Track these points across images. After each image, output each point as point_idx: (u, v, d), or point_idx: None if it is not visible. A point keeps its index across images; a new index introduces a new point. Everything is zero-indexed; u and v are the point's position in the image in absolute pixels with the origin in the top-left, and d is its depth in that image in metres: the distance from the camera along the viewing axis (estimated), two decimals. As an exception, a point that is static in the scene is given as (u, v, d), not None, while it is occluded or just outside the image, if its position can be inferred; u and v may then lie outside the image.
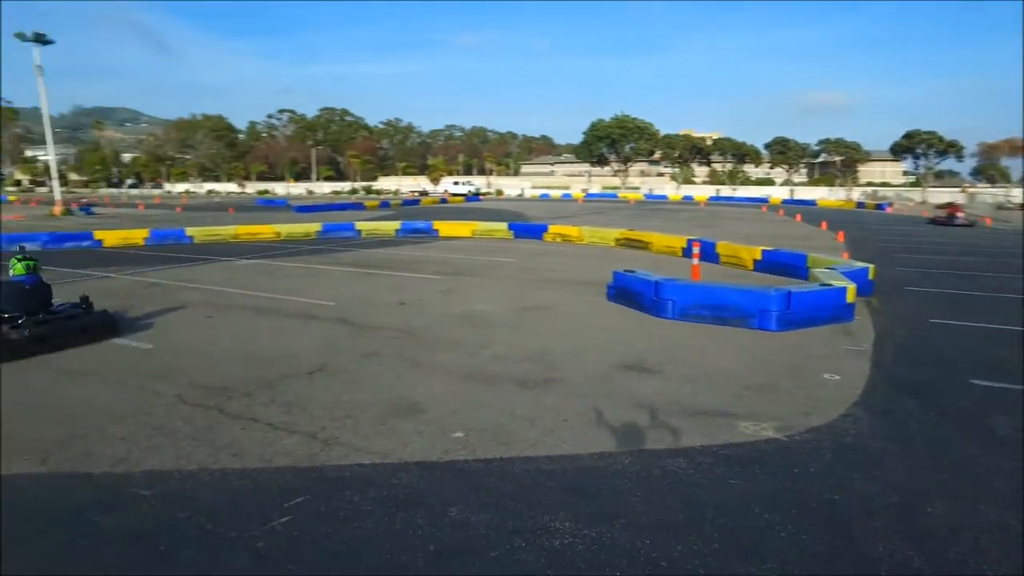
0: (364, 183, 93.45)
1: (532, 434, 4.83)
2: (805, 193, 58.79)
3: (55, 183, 37.83)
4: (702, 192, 61.66)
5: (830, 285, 8.61)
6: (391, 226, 23.05)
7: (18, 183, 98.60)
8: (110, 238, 19.17)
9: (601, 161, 74.10)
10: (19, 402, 5.55)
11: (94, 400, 5.59)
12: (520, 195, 70.15)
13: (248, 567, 3.16)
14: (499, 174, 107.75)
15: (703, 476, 4.12)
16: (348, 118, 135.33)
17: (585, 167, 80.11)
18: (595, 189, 70.29)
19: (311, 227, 22.61)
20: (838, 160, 72.82)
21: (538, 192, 70.53)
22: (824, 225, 25.21)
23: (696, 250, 11.16)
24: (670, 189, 66.28)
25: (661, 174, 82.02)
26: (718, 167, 77.36)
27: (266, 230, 21.90)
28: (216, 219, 29.04)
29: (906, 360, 7.00)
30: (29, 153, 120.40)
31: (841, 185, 64.16)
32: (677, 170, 76.14)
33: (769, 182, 71.20)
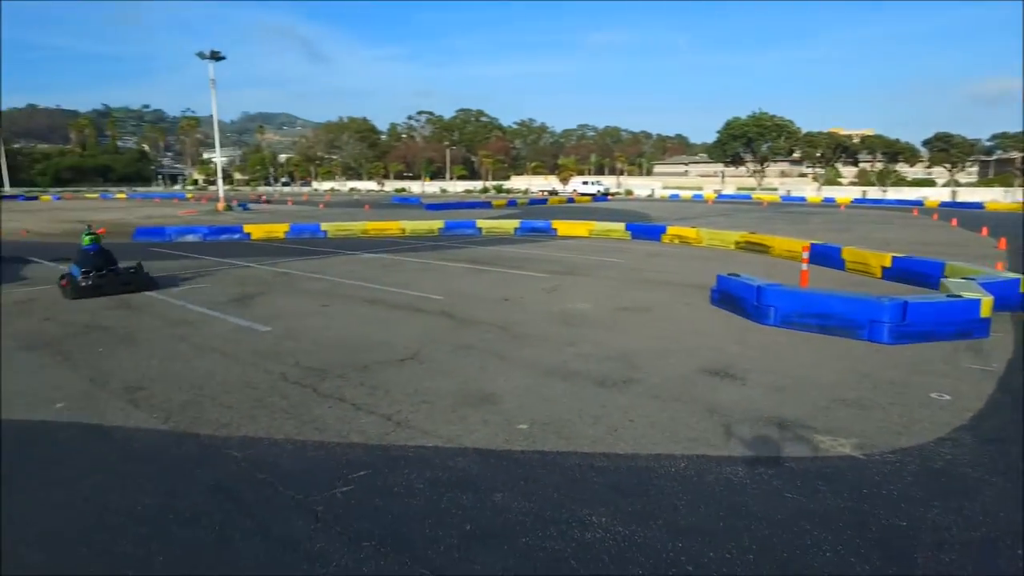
0: (495, 182, 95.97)
1: (595, 431, 4.88)
2: (971, 195, 52.56)
3: (219, 182, 42.42)
4: (846, 194, 57.05)
5: (958, 296, 7.79)
6: (511, 224, 23.61)
7: (196, 182, 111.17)
8: (257, 232, 21.31)
9: (736, 161, 70.87)
10: (164, 370, 6.44)
11: (216, 373, 6.36)
12: (650, 195, 68.76)
13: (303, 526, 3.52)
14: (630, 174, 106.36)
15: (758, 487, 3.97)
16: (483, 119, 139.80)
17: (720, 167, 77.04)
18: (729, 190, 67.39)
19: (435, 224, 23.70)
20: (1018, 157, 64.41)
21: (668, 193, 68.76)
22: (985, 231, 22.51)
23: (806, 255, 10.47)
24: (811, 191, 62.00)
25: (803, 175, 76.98)
26: (867, 167, 71.25)
27: (393, 226, 23.27)
28: (352, 215, 31.18)
29: (1044, 385, 6.20)
30: (206, 156, 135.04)
31: (1021, 186, 56.66)
32: (819, 171, 71.02)
33: (928, 183, 64.44)
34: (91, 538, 3.46)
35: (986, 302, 7.72)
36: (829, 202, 52.34)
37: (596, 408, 5.37)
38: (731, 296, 9.26)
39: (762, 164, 70.22)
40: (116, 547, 3.37)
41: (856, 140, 71.40)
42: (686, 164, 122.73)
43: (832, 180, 68.68)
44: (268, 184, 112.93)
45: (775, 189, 67.24)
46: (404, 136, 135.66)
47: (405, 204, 48.94)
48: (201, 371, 6.43)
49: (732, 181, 78.61)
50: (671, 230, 19.89)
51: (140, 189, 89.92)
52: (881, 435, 4.81)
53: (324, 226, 22.45)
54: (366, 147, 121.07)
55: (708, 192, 63.42)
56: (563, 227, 22.58)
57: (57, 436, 4.88)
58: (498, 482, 4.04)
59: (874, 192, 58.58)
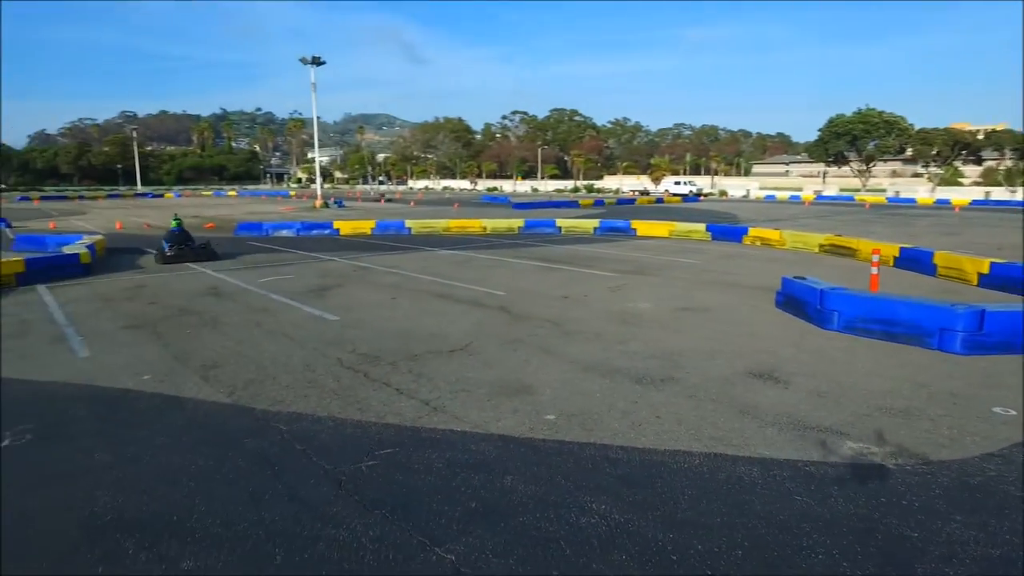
0: (587, 182, 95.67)
1: (619, 425, 4.97)
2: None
3: (318, 181, 44.88)
4: (964, 195, 52.57)
5: (1048, 307, 7.20)
6: (590, 224, 23.60)
7: (299, 180, 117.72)
8: (345, 228, 22.46)
9: (839, 161, 66.96)
10: (237, 351, 7.10)
11: (281, 355, 6.93)
12: (744, 196, 66.20)
13: (326, 493, 3.87)
14: (726, 174, 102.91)
15: (769, 487, 3.95)
16: (576, 118, 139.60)
17: (822, 167, 73.06)
18: (831, 191, 63.77)
19: (515, 222, 24.08)
20: None
21: (764, 194, 65.97)
22: (1124, 237, 20.22)
23: (876, 257, 9.89)
24: (923, 192, 57.60)
25: (918, 175, 71.58)
26: (993, 165, 65.29)
27: (474, 224, 23.84)
28: (439, 213, 32.14)
29: None
30: (310, 155, 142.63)
31: None
32: (935, 170, 65.79)
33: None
34: (152, 488, 3.98)
35: (1081, 314, 7.09)
36: (943, 204, 48.44)
37: (627, 404, 5.45)
38: (795, 299, 8.97)
39: (868, 164, 65.88)
40: (168, 496, 3.86)
41: (980, 136, 65.44)
42: (787, 164, 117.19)
43: (950, 180, 63.40)
44: (366, 183, 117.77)
45: (883, 190, 62.96)
46: (498, 136, 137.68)
47: (494, 203, 49.72)
48: (268, 353, 7.02)
49: (836, 182, 74.26)
50: (753, 231, 19.23)
51: (250, 187, 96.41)
52: (921, 446, 4.62)
53: (409, 223, 23.34)
54: (460, 147, 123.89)
55: (807, 193, 60.31)
56: (643, 227, 22.32)
57: (138, 404, 5.54)
58: (511, 466, 4.24)
59: (1000, 193, 53.59)
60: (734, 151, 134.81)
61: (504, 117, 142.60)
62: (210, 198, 63.02)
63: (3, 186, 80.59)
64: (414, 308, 9.64)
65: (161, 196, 66.27)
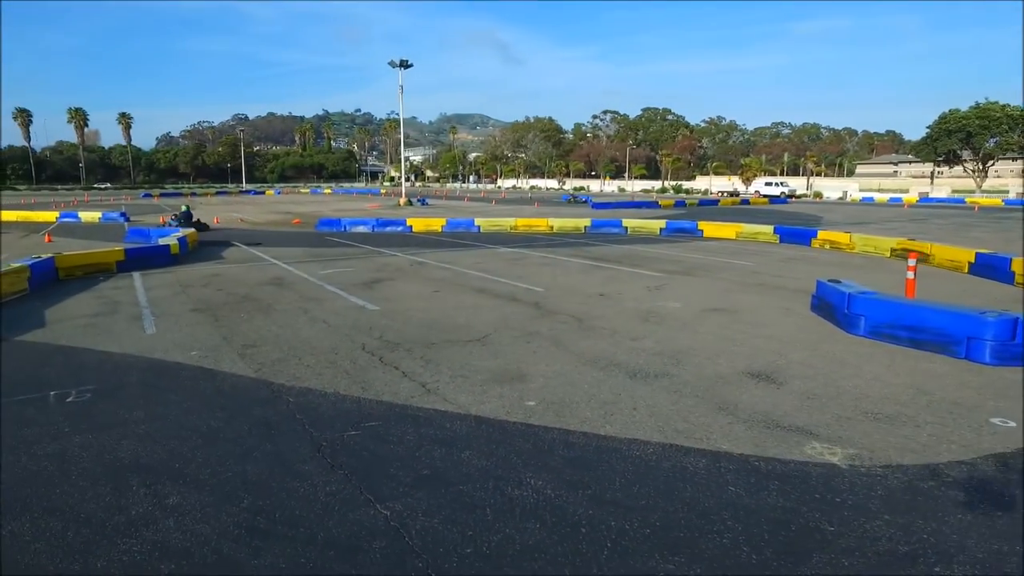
0: (675, 182, 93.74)
1: (592, 414, 5.26)
2: None
3: (403, 180, 46.77)
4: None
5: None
6: (657, 224, 23.44)
7: (392, 179, 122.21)
8: (418, 225, 23.47)
9: (950, 160, 62.18)
10: (277, 334, 7.91)
11: (314, 339, 7.65)
12: (841, 198, 62.84)
13: (304, 455, 4.43)
14: (825, 175, 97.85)
15: (708, 478, 4.14)
16: (669, 117, 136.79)
17: (933, 167, 67.96)
18: (940, 192, 59.35)
19: (582, 222, 24.28)
20: None
21: (862, 195, 62.32)
22: None
23: (912, 261, 9.45)
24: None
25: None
26: None
27: (541, 223, 24.25)
28: (517, 212, 32.74)
29: None
30: (405, 154, 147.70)
31: None
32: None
33: None
34: (166, 440, 4.69)
35: None
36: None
37: (610, 395, 5.71)
38: (827, 303, 8.80)
39: (984, 163, 60.73)
40: (177, 448, 4.55)
41: None
42: (895, 164, 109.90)
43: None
44: (457, 181, 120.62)
45: (1004, 191, 57.92)
46: (588, 135, 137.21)
47: (575, 202, 49.90)
48: (303, 337, 7.76)
49: (950, 182, 68.94)
50: (822, 235, 18.51)
51: (345, 185, 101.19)
52: (889, 450, 4.62)
53: (478, 221, 24.06)
54: (550, 146, 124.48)
55: (910, 195, 56.45)
56: (710, 228, 21.93)
57: (181, 374, 6.37)
58: (474, 443, 4.65)
59: None
60: (837, 150, 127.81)
61: (595, 116, 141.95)
62: (307, 195, 66.85)
63: (107, 185, 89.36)
64: (451, 301, 10.18)
65: (263, 193, 71.03)
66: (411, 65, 43.68)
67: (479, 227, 23.62)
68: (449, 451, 4.50)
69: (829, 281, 8.99)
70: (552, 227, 23.86)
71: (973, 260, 13.17)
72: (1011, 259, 12.11)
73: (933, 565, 3.25)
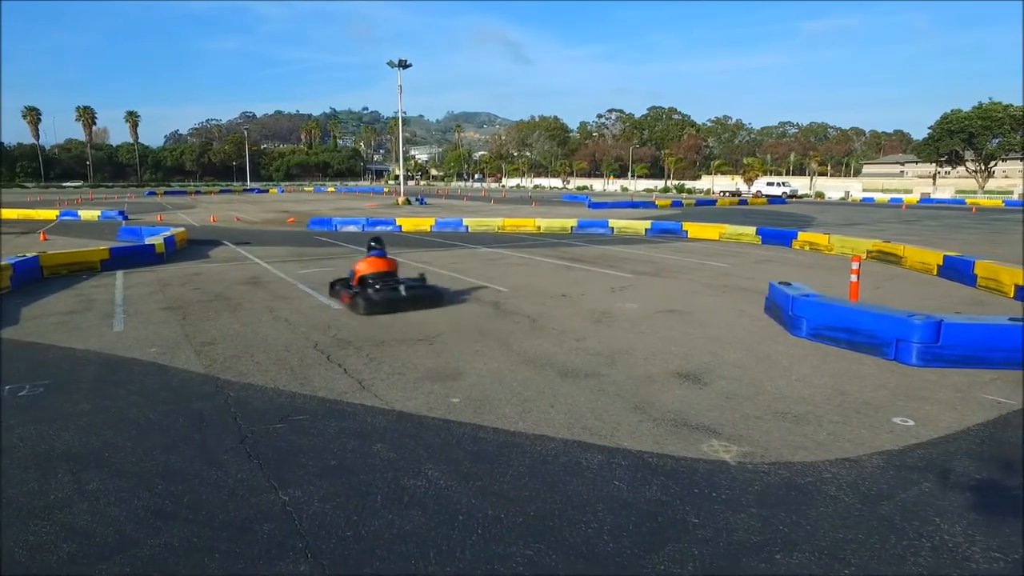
0: (679, 182, 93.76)
1: (510, 410, 5.53)
2: None
3: (401, 178, 47.09)
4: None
5: (1019, 321, 7.00)
6: (642, 225, 23.65)
7: (396, 177, 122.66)
8: (407, 224, 23.82)
9: (952, 160, 61.99)
10: (237, 331, 8.23)
11: (271, 337, 7.96)
12: (843, 198, 62.80)
13: (227, 445, 4.74)
14: (832, 174, 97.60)
15: (597, 472, 4.38)
16: (675, 116, 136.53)
17: (935, 167, 67.77)
18: (944, 193, 59.19)
19: (568, 223, 24.52)
20: None
21: (864, 195, 62.23)
22: None
23: (855, 264, 9.66)
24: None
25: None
26: None
27: (529, 223, 24.52)
28: (513, 211, 33.02)
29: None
30: (412, 152, 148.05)
31: None
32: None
33: None
34: (102, 431, 4.99)
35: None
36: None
37: (533, 393, 5.98)
38: (776, 305, 9.04)
39: (986, 164, 60.52)
40: (111, 439, 4.85)
41: None
42: (902, 164, 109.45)
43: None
44: (461, 180, 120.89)
45: (1009, 192, 57.69)
46: (594, 134, 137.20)
47: (573, 202, 50.14)
48: (261, 334, 8.08)
49: (955, 183, 68.73)
50: (802, 236, 18.70)
51: (350, 183, 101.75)
52: (781, 448, 4.86)
53: (467, 221, 24.35)
54: (555, 145, 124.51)
55: (911, 195, 56.35)
56: (694, 229, 22.12)
57: (134, 369, 6.69)
58: (387, 436, 4.94)
59: None
60: (843, 150, 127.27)
61: (600, 116, 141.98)
62: (310, 193, 67.42)
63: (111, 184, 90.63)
64: (416, 301, 10.45)
65: (265, 191, 71.60)
66: (410, 65, 44.07)
67: (467, 227, 23.91)
68: (362, 443, 4.80)
69: (780, 283, 9.22)
70: (539, 227, 24.12)
71: (941, 263, 13.34)
72: (974, 262, 12.28)
73: (775, 553, 3.51)
